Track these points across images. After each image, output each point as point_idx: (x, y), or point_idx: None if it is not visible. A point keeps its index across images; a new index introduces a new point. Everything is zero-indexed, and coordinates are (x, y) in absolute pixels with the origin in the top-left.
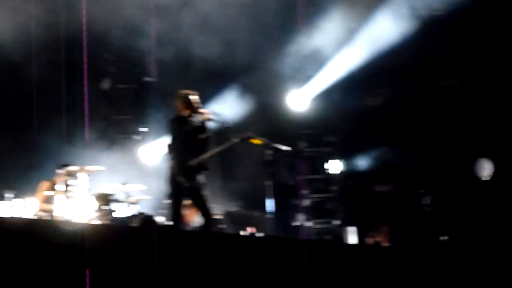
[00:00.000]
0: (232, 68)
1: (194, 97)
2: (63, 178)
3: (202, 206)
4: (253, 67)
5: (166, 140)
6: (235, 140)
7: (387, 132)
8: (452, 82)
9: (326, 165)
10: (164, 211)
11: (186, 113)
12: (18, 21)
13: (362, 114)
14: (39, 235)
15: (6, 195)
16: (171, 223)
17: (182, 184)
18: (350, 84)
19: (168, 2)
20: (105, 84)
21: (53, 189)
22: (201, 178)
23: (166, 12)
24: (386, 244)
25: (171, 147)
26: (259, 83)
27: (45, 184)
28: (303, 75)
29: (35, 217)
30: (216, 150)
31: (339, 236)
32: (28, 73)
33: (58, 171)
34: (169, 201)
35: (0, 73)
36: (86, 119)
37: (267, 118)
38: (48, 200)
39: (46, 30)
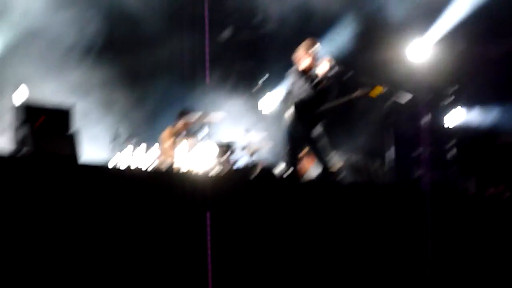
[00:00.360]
0: (349, 17)
1: (316, 47)
2: (184, 125)
3: (319, 156)
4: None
5: (285, 89)
6: (355, 95)
7: None
8: None
9: (447, 115)
10: (284, 159)
11: (307, 62)
12: None
13: (487, 63)
14: (161, 183)
15: (129, 142)
16: (289, 171)
17: (299, 134)
18: (473, 31)
19: None
20: (226, 33)
21: (175, 137)
22: (318, 128)
23: None
24: (507, 194)
25: (290, 96)
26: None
27: (167, 131)
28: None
29: (156, 165)
30: (335, 103)
31: (459, 186)
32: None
33: (180, 118)
34: (287, 150)
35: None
36: (207, 66)
37: (386, 70)
38: (170, 147)
39: None
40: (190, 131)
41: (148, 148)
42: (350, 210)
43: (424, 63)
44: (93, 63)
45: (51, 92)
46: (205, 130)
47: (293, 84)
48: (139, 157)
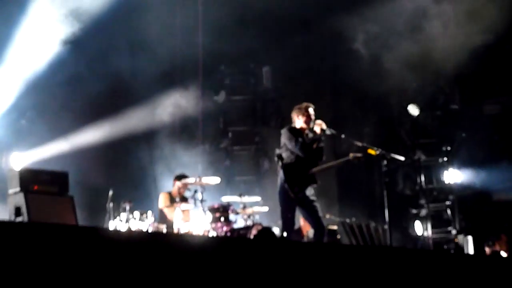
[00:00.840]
0: (347, 77)
1: (311, 109)
2: (180, 190)
3: (313, 217)
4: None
5: (279, 149)
6: (349, 157)
7: (506, 141)
8: None
9: (442, 175)
10: (279, 222)
11: (302, 124)
12: None
13: (480, 122)
14: (158, 247)
15: (124, 207)
16: (284, 234)
17: (291, 195)
18: (467, 91)
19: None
20: (220, 97)
21: (172, 202)
22: (311, 190)
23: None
24: (505, 253)
25: (283, 157)
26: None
27: (163, 196)
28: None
29: (153, 230)
30: (328, 165)
31: (457, 245)
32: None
33: (175, 182)
34: (281, 212)
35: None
36: (200, 131)
37: (383, 128)
38: (168, 212)
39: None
40: (185, 196)
41: (142, 214)
42: (346, 273)
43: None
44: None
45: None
46: (200, 194)
47: (286, 142)
48: (135, 223)
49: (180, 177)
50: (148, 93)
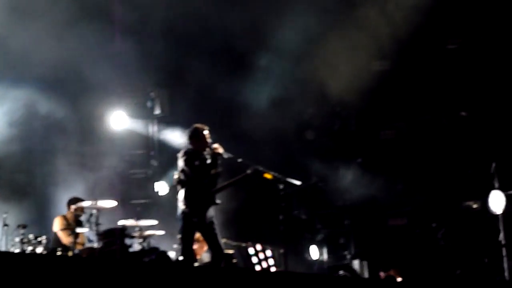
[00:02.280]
0: (243, 98)
1: (206, 132)
2: (75, 213)
3: (212, 240)
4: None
5: (177, 173)
6: (247, 172)
7: (400, 165)
8: (464, 114)
9: (338, 199)
10: (176, 246)
11: (197, 147)
12: None
13: (376, 146)
14: (52, 270)
15: (20, 231)
16: (181, 257)
17: (192, 218)
18: (364, 116)
19: None
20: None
21: (67, 225)
22: (211, 212)
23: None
24: (399, 278)
25: (181, 180)
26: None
27: (58, 219)
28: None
29: (48, 252)
30: (228, 182)
31: (352, 270)
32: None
33: (70, 206)
34: (179, 236)
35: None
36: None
37: (280, 151)
38: (62, 236)
39: None
40: (80, 220)
41: (36, 237)
42: None
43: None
44: None
45: None
46: (95, 218)
47: (185, 165)
48: (29, 246)
49: (73, 201)
50: None
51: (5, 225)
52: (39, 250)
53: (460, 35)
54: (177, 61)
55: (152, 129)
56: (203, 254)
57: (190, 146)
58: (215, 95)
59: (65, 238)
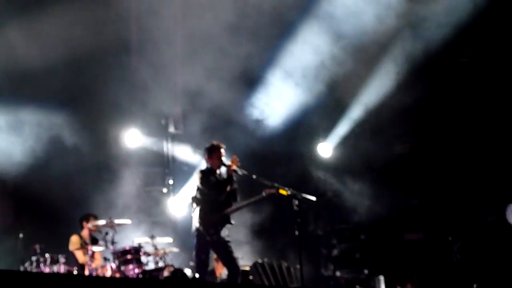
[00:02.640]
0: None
1: (222, 149)
2: (91, 231)
3: (227, 258)
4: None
5: (192, 191)
6: (263, 195)
7: (415, 179)
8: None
9: (354, 214)
10: (191, 263)
11: (213, 165)
12: None
13: (390, 161)
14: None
15: (35, 250)
16: (197, 275)
17: (207, 237)
18: (377, 130)
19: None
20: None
21: (83, 244)
22: (225, 231)
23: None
24: None
25: (197, 198)
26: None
27: (74, 238)
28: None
29: (65, 272)
30: (243, 203)
31: (370, 285)
32: None
33: (85, 224)
34: (195, 254)
35: None
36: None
37: (295, 168)
38: (78, 255)
39: None
40: (95, 238)
41: (53, 256)
42: None
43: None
44: None
45: None
46: (111, 236)
47: (199, 185)
48: (46, 266)
49: (85, 217)
50: None
51: (22, 244)
52: (56, 269)
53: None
54: (191, 81)
55: (167, 147)
56: (223, 272)
57: (206, 164)
58: (228, 113)
59: (81, 257)
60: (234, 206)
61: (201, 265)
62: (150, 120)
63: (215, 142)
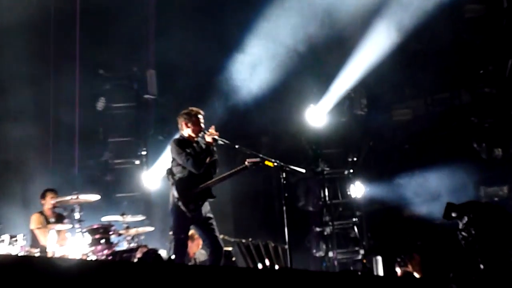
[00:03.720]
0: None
1: (201, 115)
2: (54, 208)
3: (210, 237)
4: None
5: (168, 163)
6: (246, 164)
7: (417, 150)
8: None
9: (349, 188)
10: (168, 244)
11: (191, 133)
12: None
13: (389, 130)
14: (31, 272)
15: None
16: (174, 256)
17: (187, 213)
18: (375, 96)
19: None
20: (100, 104)
21: (45, 222)
22: (207, 205)
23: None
24: (418, 274)
25: (173, 171)
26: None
27: (35, 217)
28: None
29: (25, 253)
30: (224, 175)
31: (365, 266)
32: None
33: (46, 200)
34: (172, 232)
35: None
36: (76, 142)
37: (283, 137)
38: (40, 235)
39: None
40: (61, 217)
41: (12, 237)
42: None
43: (323, 129)
44: None
45: None
46: (77, 214)
47: (176, 157)
48: (4, 247)
49: (44, 194)
50: None
51: None
52: (15, 250)
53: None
54: (167, 35)
55: (140, 113)
56: (197, 252)
57: (183, 132)
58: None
59: (43, 238)
60: (215, 178)
61: (180, 245)
62: (119, 83)
63: (193, 108)
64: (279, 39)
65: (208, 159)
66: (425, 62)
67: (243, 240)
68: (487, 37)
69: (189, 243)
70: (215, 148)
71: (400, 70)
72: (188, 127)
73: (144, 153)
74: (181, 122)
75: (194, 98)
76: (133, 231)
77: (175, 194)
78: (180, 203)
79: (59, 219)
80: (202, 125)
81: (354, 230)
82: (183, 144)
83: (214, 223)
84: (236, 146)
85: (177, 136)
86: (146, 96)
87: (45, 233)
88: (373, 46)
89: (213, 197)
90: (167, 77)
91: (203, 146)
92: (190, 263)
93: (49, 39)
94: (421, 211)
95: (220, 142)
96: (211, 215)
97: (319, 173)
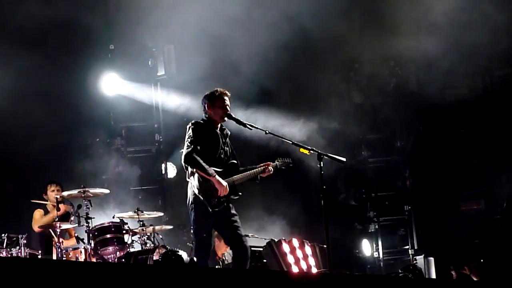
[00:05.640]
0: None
1: (227, 98)
2: (58, 203)
3: (234, 236)
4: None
5: (190, 146)
6: (277, 163)
7: (474, 135)
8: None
9: (396, 179)
10: (189, 243)
11: (215, 116)
12: None
13: (442, 111)
14: (33, 277)
15: None
16: (195, 258)
17: (208, 208)
18: (426, 73)
19: None
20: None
21: (49, 220)
22: (231, 200)
23: None
24: (475, 277)
25: (193, 159)
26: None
27: (38, 214)
28: None
29: (26, 256)
30: (253, 171)
31: (416, 269)
32: None
33: (50, 195)
34: (193, 231)
35: None
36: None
37: (318, 119)
38: (45, 232)
39: None
40: (66, 214)
41: (12, 238)
42: None
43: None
44: None
45: None
46: (85, 210)
47: (197, 140)
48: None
49: (48, 185)
50: None
51: None
52: (15, 252)
53: None
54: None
55: (155, 95)
56: (226, 252)
57: (205, 115)
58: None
59: (49, 237)
60: (241, 174)
61: (202, 245)
62: (132, 61)
63: (218, 89)
64: None
65: (232, 147)
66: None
67: (275, 239)
68: None
69: (217, 242)
70: (228, 135)
71: (455, 44)
72: (212, 109)
73: (161, 139)
74: (205, 104)
75: (218, 78)
76: (149, 229)
77: (196, 186)
78: (201, 197)
79: (64, 216)
80: (228, 108)
81: (403, 227)
82: (204, 128)
83: (239, 220)
84: (266, 132)
85: (199, 119)
86: (163, 74)
87: (50, 231)
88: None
89: (238, 195)
90: (188, 54)
91: (228, 132)
92: (217, 266)
93: None
94: (479, 205)
95: (248, 127)
96: (235, 212)
97: (362, 162)
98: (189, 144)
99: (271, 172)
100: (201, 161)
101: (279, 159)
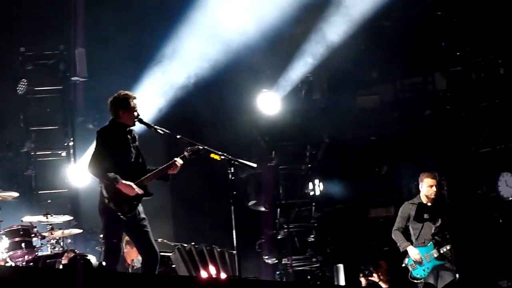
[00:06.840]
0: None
1: (135, 101)
2: None
3: (143, 241)
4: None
5: (96, 155)
6: (184, 154)
7: (384, 142)
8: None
9: (306, 186)
10: (98, 248)
11: (125, 121)
12: None
13: (353, 119)
14: None
15: None
16: (105, 262)
17: (118, 213)
18: (337, 81)
19: None
20: (21, 87)
21: None
22: (140, 205)
23: None
24: (384, 284)
25: (102, 164)
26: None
27: None
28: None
29: None
30: (161, 168)
31: (325, 275)
32: None
33: None
34: (103, 236)
35: None
36: None
37: (231, 126)
38: None
39: None
40: None
41: None
42: None
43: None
44: None
45: None
46: None
47: (105, 145)
48: None
49: None
50: None
51: None
52: None
53: None
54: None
55: (67, 98)
56: (135, 259)
57: (114, 120)
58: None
59: None
60: (149, 174)
61: (112, 251)
62: (45, 63)
63: (125, 92)
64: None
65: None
66: (394, 42)
67: (185, 245)
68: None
69: (128, 249)
70: (136, 137)
71: (366, 50)
72: (120, 114)
73: (71, 143)
74: (112, 108)
75: (130, 81)
76: (58, 233)
77: (105, 193)
78: (111, 204)
79: None
80: (136, 112)
81: (312, 234)
82: (112, 134)
83: (148, 224)
84: (178, 136)
85: (107, 124)
86: (74, 78)
87: None
88: (335, 23)
89: (150, 195)
90: (100, 56)
91: (137, 135)
92: (128, 271)
93: None
94: (389, 213)
95: (159, 131)
96: (144, 216)
97: (273, 169)
98: (94, 154)
99: (180, 165)
100: (103, 171)
101: (187, 149)
